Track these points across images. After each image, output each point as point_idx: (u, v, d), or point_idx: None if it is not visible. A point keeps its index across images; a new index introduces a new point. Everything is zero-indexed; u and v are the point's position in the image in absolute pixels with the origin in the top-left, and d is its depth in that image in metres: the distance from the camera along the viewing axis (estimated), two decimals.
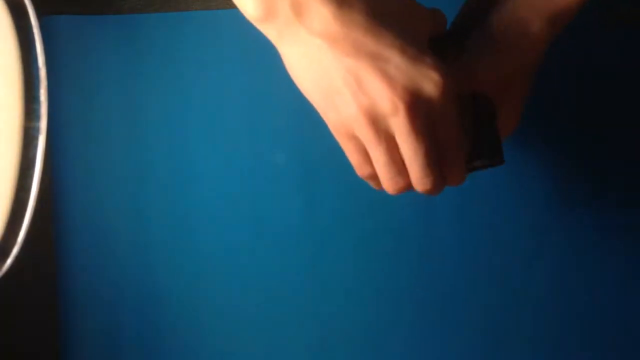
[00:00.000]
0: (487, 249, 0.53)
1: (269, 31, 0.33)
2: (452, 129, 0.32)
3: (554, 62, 0.52)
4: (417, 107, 0.31)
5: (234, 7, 0.55)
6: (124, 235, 0.56)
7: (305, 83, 0.33)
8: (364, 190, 0.54)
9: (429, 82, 0.31)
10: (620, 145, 0.52)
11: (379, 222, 0.54)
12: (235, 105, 0.54)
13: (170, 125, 0.55)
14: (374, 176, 0.36)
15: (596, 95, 0.52)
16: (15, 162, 0.47)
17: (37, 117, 0.47)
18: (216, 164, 0.55)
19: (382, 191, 0.54)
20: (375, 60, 0.30)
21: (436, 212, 0.53)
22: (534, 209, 0.53)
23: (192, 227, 0.55)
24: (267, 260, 0.55)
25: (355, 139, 0.34)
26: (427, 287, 0.54)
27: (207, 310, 0.56)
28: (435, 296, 0.54)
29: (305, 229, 0.54)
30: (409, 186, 0.35)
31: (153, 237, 0.56)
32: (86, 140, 0.56)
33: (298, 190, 0.54)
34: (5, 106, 0.46)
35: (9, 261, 0.46)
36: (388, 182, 0.35)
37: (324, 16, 0.30)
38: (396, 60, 0.30)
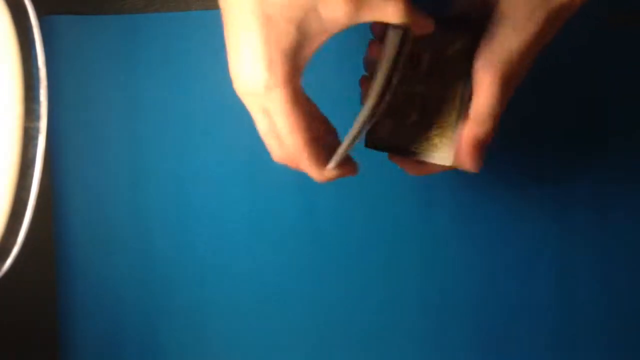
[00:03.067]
0: (488, 248, 0.53)
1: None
2: (279, 121, 0.35)
3: (554, 62, 0.52)
4: (249, 97, 0.36)
5: None
6: (124, 236, 0.56)
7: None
8: (364, 191, 0.54)
9: (259, 82, 0.34)
10: (620, 144, 0.52)
11: (379, 222, 0.54)
12: (235, 105, 0.54)
13: (170, 125, 0.55)
14: None
15: (596, 95, 0.52)
16: (15, 162, 0.47)
17: (37, 117, 0.47)
18: (216, 164, 0.55)
19: (380, 192, 0.54)
20: (232, 48, 0.34)
21: (436, 213, 0.53)
22: (534, 208, 0.53)
23: (192, 227, 0.55)
24: (267, 260, 0.55)
25: None
26: (427, 286, 0.54)
27: (207, 311, 0.56)
28: (435, 296, 0.54)
29: (305, 228, 0.54)
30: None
31: (153, 237, 0.56)
32: (86, 140, 0.56)
33: (298, 190, 0.54)
34: (5, 106, 0.46)
35: (9, 261, 0.46)
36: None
37: None
38: (246, 53, 0.34)
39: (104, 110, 0.55)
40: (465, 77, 0.36)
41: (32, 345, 0.57)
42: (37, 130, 0.48)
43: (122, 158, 0.56)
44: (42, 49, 0.47)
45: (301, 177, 0.54)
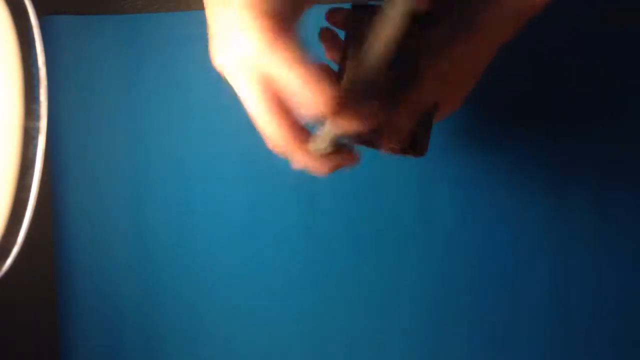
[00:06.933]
0: (488, 249, 0.53)
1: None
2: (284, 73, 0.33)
3: (554, 63, 0.52)
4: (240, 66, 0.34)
5: None
6: (124, 235, 0.56)
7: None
8: (365, 192, 0.54)
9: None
10: (621, 144, 0.52)
11: (380, 223, 0.54)
12: (235, 105, 0.54)
13: (170, 125, 0.55)
14: None
15: (596, 95, 0.52)
16: (15, 162, 0.47)
17: (37, 117, 0.47)
18: (216, 164, 0.55)
19: (380, 190, 0.53)
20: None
21: (437, 214, 0.53)
22: (535, 209, 0.53)
23: (192, 227, 0.55)
24: (267, 260, 0.55)
25: None
26: (428, 287, 0.54)
27: (207, 310, 0.56)
28: (436, 297, 0.54)
29: (305, 229, 0.54)
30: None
31: (153, 237, 0.56)
32: (86, 140, 0.56)
33: (298, 191, 0.54)
34: (5, 106, 0.46)
35: (9, 261, 0.46)
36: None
37: None
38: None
39: (104, 110, 0.55)
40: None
41: (32, 345, 0.57)
42: (37, 130, 0.48)
43: (122, 158, 0.56)
44: (42, 49, 0.47)
45: (302, 176, 0.54)
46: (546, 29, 0.51)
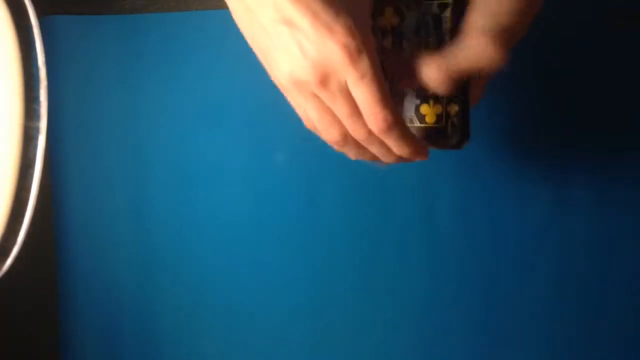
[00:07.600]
0: (488, 249, 0.53)
1: None
2: (369, 93, 0.33)
3: (554, 63, 0.52)
4: (327, 78, 0.32)
5: None
6: (123, 236, 0.56)
7: (247, 37, 0.35)
8: (366, 191, 0.54)
9: (337, 53, 0.31)
10: (621, 144, 0.52)
11: (381, 221, 0.54)
12: (235, 105, 0.54)
13: (170, 125, 0.55)
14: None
15: (596, 95, 0.52)
16: (15, 162, 0.47)
17: (37, 117, 0.47)
18: (216, 164, 0.55)
19: (382, 187, 0.53)
20: (292, 27, 0.31)
21: (437, 213, 0.53)
22: (535, 209, 0.53)
23: (192, 228, 0.55)
24: (268, 262, 0.55)
25: (292, 92, 0.35)
26: (428, 286, 0.54)
27: (207, 310, 0.56)
28: (436, 296, 0.54)
29: (306, 228, 0.54)
30: (343, 137, 0.36)
31: (153, 238, 0.56)
32: (86, 140, 0.56)
33: (299, 190, 0.54)
34: (5, 106, 0.46)
35: (9, 261, 0.46)
36: (324, 134, 0.36)
37: None
38: (306, 29, 0.31)
39: (104, 110, 0.55)
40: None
41: (32, 345, 0.57)
42: (37, 130, 0.48)
43: (122, 158, 0.56)
44: (42, 49, 0.47)
45: (302, 175, 0.54)
46: (546, 29, 0.51)
